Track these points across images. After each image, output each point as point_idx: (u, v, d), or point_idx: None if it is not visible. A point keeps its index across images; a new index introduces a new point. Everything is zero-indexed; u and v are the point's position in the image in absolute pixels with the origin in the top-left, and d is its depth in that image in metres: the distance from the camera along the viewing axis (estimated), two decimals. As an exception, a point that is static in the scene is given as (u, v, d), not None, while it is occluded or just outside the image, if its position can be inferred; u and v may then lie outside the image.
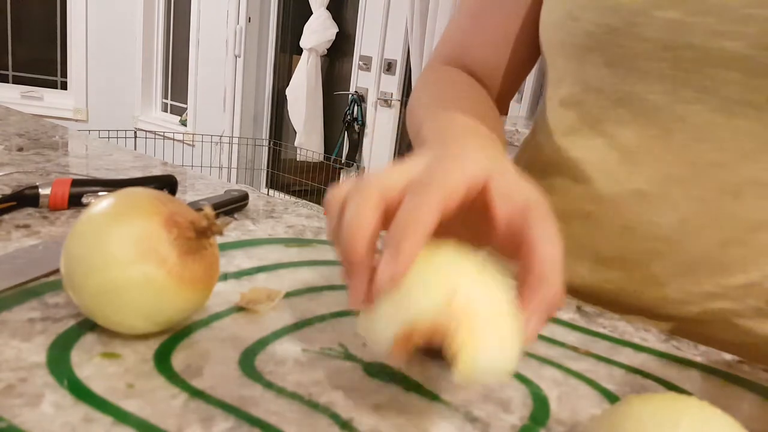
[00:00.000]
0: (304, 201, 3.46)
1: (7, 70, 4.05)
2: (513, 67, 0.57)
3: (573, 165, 0.51)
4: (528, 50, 0.59)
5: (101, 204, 0.34)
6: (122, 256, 0.32)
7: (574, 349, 0.40)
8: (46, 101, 4.07)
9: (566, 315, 0.46)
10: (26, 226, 0.50)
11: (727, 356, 0.42)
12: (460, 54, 0.60)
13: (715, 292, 0.46)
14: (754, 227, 0.44)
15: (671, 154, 0.45)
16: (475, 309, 0.27)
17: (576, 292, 0.51)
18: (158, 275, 0.32)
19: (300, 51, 3.37)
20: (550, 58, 0.53)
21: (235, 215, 0.60)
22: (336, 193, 0.32)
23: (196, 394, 0.30)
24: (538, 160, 0.56)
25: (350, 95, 3.27)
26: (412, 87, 0.63)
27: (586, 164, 0.50)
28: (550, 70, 0.55)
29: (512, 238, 0.31)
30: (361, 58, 3.19)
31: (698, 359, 0.41)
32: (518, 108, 2.58)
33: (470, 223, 0.32)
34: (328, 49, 3.36)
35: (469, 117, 0.41)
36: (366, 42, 3.16)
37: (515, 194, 0.31)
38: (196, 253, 0.34)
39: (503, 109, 0.61)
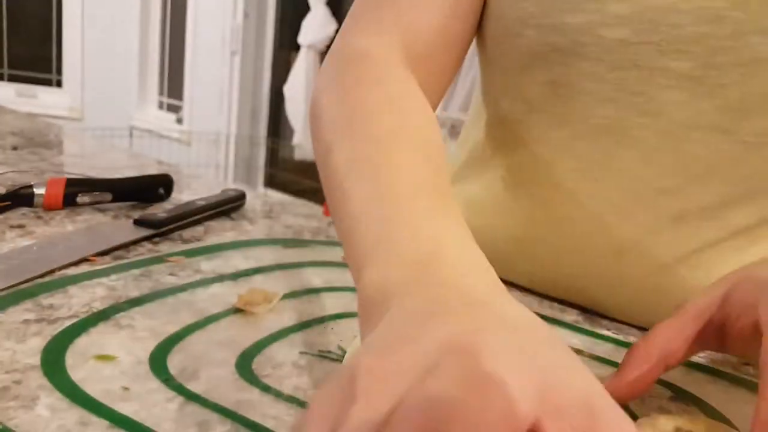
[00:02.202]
0: (302, 200, 3.46)
1: (2, 68, 4.04)
2: (459, 40, 0.46)
3: (509, 185, 0.49)
4: (475, 22, 0.47)
5: None
6: None
7: (579, 351, 0.40)
8: (41, 99, 4.06)
9: (570, 317, 0.46)
10: (21, 226, 0.49)
11: (732, 358, 0.42)
12: (396, 24, 0.45)
13: (655, 320, 0.45)
14: (695, 250, 0.43)
15: (613, 179, 0.43)
16: None
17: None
18: None
19: (298, 47, 3.37)
20: (488, 69, 0.49)
21: (232, 215, 0.60)
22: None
23: (192, 397, 0.30)
24: (478, 165, 0.53)
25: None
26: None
27: (523, 188, 0.48)
28: (485, 83, 0.51)
29: None
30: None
31: (703, 361, 0.41)
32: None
33: None
34: (326, 46, 3.36)
35: (433, 198, 0.30)
36: (363, 40, 3.15)
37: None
38: None
39: (442, 94, 0.49)
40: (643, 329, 0.45)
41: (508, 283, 0.51)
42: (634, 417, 0.33)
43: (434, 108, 0.47)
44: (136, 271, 0.43)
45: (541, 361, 0.19)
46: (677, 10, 0.37)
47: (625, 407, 0.34)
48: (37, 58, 4.10)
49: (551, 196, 0.47)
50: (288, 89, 3.45)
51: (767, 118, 0.37)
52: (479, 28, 0.48)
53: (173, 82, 4.13)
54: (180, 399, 0.30)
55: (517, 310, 0.22)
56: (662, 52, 0.38)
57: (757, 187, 0.41)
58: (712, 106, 0.38)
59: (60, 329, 0.34)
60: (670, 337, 0.31)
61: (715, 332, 0.31)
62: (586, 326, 0.44)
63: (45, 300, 0.38)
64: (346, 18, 0.48)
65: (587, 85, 0.41)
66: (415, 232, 0.27)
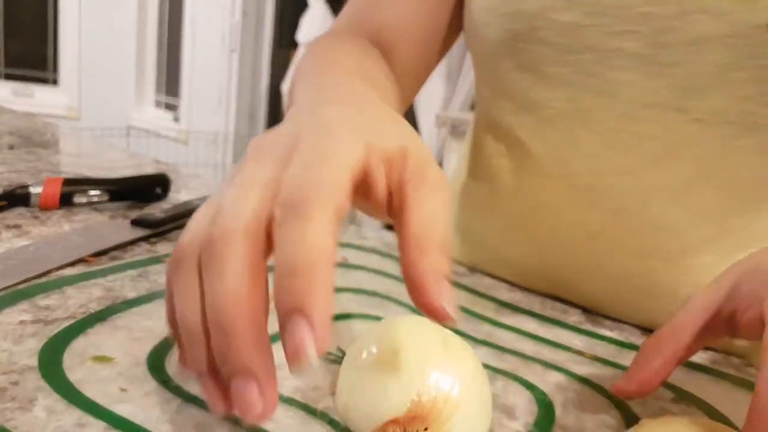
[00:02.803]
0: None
1: (-1, 66, 4.03)
2: (421, 47, 0.50)
3: (493, 174, 0.50)
4: (448, 15, 0.51)
5: None
6: None
7: (580, 353, 0.40)
8: (38, 98, 4.05)
9: (572, 318, 0.45)
10: (17, 226, 0.49)
11: (735, 359, 0.42)
12: (362, 18, 0.52)
13: (639, 307, 0.46)
14: (665, 234, 0.43)
15: (578, 163, 0.44)
16: (444, 398, 0.26)
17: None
18: None
19: (297, 45, 3.36)
20: (473, 61, 0.51)
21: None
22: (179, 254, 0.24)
23: (191, 399, 0.30)
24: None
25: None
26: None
27: (502, 175, 0.49)
28: (474, 74, 0.53)
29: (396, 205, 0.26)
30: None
31: (705, 363, 0.41)
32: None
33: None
34: (324, 46, 3.36)
35: (347, 77, 0.37)
36: (362, 38, 3.15)
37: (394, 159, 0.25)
38: None
39: (414, 87, 0.54)
40: (645, 330, 0.45)
41: (504, 281, 0.51)
42: (636, 418, 0.33)
43: (409, 97, 0.53)
44: (133, 272, 0.43)
45: (367, 126, 0.26)
46: None
47: (627, 408, 0.34)
48: (34, 56, 4.09)
49: (530, 182, 0.47)
50: (286, 87, 3.45)
51: (719, 96, 0.38)
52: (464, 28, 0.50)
53: (171, 81, 4.12)
54: (178, 401, 0.29)
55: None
56: (612, 34, 0.39)
57: (717, 167, 0.40)
58: (663, 85, 0.39)
59: (57, 330, 0.34)
60: (680, 330, 0.31)
61: (725, 323, 0.31)
62: (588, 327, 0.44)
63: (42, 301, 0.37)
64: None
65: (548, 69, 0.43)
66: (334, 90, 0.34)
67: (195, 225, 0.25)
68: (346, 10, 0.54)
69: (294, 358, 0.21)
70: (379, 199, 0.26)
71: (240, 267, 0.22)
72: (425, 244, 0.24)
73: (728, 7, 0.36)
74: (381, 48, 0.50)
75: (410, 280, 0.24)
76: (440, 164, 2.13)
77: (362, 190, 0.25)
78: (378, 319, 0.41)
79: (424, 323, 0.28)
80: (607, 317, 0.46)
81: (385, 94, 0.38)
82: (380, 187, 0.25)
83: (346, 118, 0.26)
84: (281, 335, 0.21)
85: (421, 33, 0.51)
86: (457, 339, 0.28)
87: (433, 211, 0.25)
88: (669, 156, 0.41)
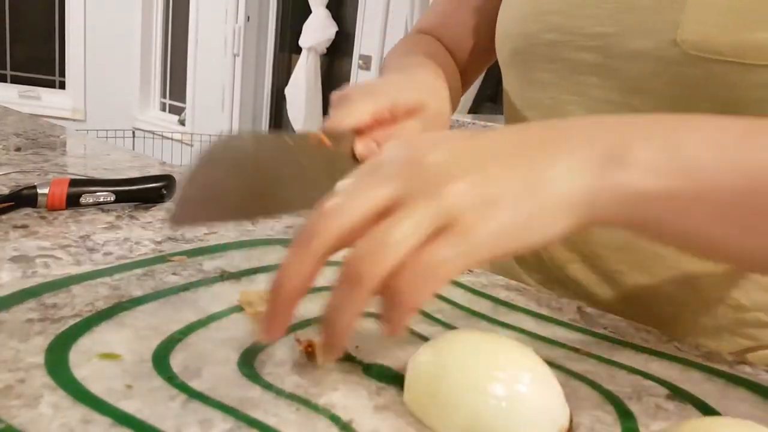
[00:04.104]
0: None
1: (5, 69, 4.04)
2: (479, 50, 0.64)
3: None
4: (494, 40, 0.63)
5: None
6: None
7: (575, 350, 0.40)
8: (44, 101, 4.07)
9: (567, 316, 0.46)
10: (24, 227, 0.50)
11: (729, 357, 0.42)
12: (437, 26, 0.69)
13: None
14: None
15: None
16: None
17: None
18: None
19: (299, 50, 3.37)
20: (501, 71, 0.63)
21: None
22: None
23: (195, 395, 0.30)
24: None
25: (349, 95, 3.25)
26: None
27: None
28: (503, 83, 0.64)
29: None
30: (361, 57, 3.19)
31: (699, 360, 0.41)
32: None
33: None
34: (327, 48, 3.36)
35: (416, 58, 0.57)
36: (366, 41, 3.15)
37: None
38: None
39: (465, 85, 0.70)
40: (639, 326, 0.45)
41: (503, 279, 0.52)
42: (631, 414, 0.33)
43: (469, 80, 0.70)
44: (138, 271, 0.44)
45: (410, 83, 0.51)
46: (583, 15, 0.49)
47: (622, 405, 0.34)
48: (39, 59, 4.10)
49: None
50: (289, 91, 3.45)
51: (653, 97, 0.46)
52: None
53: (175, 84, 4.13)
54: (183, 397, 0.30)
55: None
56: (577, 48, 0.50)
57: None
58: (614, 86, 0.48)
59: (63, 328, 0.34)
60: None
61: None
62: (583, 325, 0.45)
63: (48, 299, 0.38)
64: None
65: (537, 75, 0.53)
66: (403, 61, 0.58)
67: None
68: (425, 17, 0.73)
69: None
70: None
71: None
72: (373, 134, 0.45)
73: (652, 27, 0.45)
74: (448, 46, 0.68)
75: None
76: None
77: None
78: (377, 315, 0.41)
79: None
80: (602, 315, 0.47)
81: (442, 68, 0.57)
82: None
83: (397, 80, 0.51)
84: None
85: (477, 50, 0.67)
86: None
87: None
88: None
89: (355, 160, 0.45)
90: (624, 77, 0.47)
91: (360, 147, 0.44)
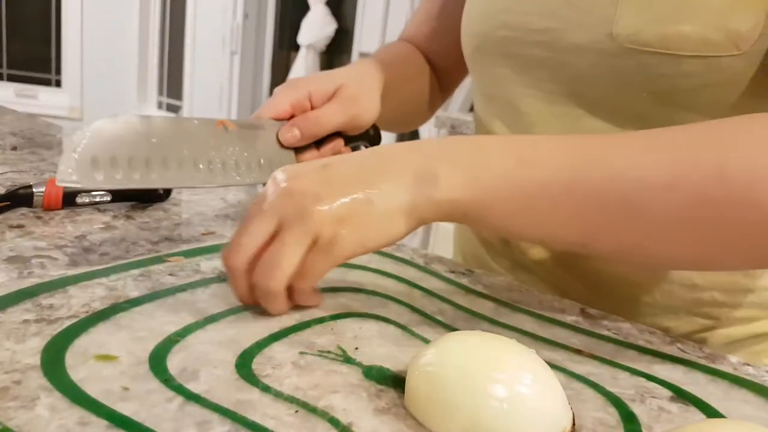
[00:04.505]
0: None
1: (2, 68, 4.03)
2: (457, 55, 0.66)
3: None
4: None
5: None
6: None
7: (578, 351, 0.40)
8: (41, 99, 4.06)
9: (570, 317, 0.46)
10: (20, 226, 0.49)
11: (733, 358, 0.42)
12: (417, 34, 0.74)
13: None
14: None
15: (524, 131, 0.55)
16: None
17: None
18: None
19: (298, 47, 3.37)
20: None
21: (232, 216, 0.60)
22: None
23: (192, 397, 0.30)
24: None
25: (348, 93, 3.25)
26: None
27: None
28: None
29: None
30: (361, 54, 3.18)
31: (703, 361, 0.41)
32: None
33: None
34: (326, 46, 3.35)
35: (367, 59, 0.64)
36: (365, 38, 3.15)
37: None
38: None
39: (447, 89, 0.75)
40: (643, 327, 0.45)
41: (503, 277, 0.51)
42: (634, 416, 0.33)
43: (452, 82, 0.75)
44: (135, 271, 0.43)
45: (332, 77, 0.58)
46: (530, 12, 0.51)
47: (625, 407, 0.34)
48: (36, 58, 4.09)
49: None
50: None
51: (598, 88, 0.49)
52: None
53: (173, 82, 4.12)
54: (180, 399, 0.30)
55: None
56: (527, 43, 0.52)
57: None
58: (563, 78, 0.51)
59: (60, 329, 0.34)
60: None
61: None
62: (586, 326, 0.44)
63: (45, 300, 0.37)
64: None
65: (495, 70, 0.56)
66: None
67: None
68: (409, 24, 0.76)
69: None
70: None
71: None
72: (293, 120, 0.55)
73: (590, 22, 0.47)
74: (427, 53, 0.72)
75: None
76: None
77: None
78: (377, 317, 0.41)
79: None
80: (605, 317, 0.46)
81: (395, 65, 0.66)
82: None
83: (319, 74, 0.59)
84: None
85: (452, 45, 0.68)
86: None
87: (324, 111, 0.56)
88: (574, 129, 0.51)
89: (279, 143, 0.55)
90: (570, 70, 0.50)
91: (282, 133, 0.55)
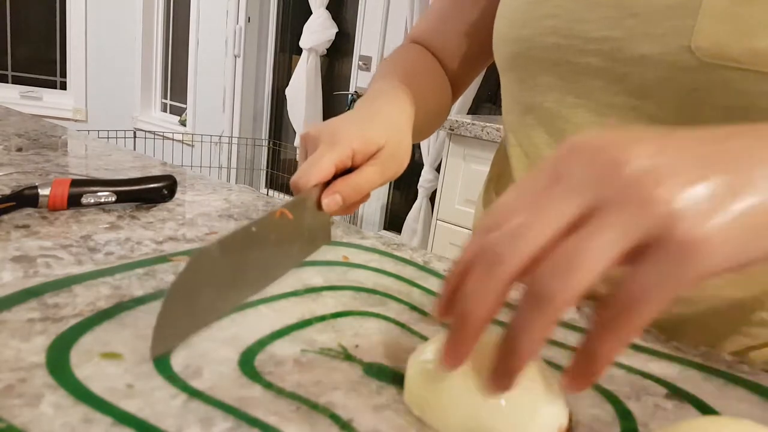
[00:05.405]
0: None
1: (7, 70, 4.05)
2: (470, 57, 0.65)
3: (510, 173, 0.60)
4: (486, 48, 0.65)
5: None
6: None
7: (574, 349, 0.40)
8: (46, 101, 4.07)
9: (566, 316, 0.46)
10: (25, 227, 0.50)
11: (727, 357, 0.42)
12: (429, 34, 0.72)
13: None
14: None
15: None
16: None
17: None
18: None
19: (299, 51, 3.37)
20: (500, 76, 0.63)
21: (235, 216, 0.60)
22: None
23: (196, 394, 0.30)
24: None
25: (350, 95, 3.27)
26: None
27: (515, 172, 0.59)
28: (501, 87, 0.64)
29: None
30: (361, 58, 3.19)
31: (698, 360, 0.41)
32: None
33: None
34: (327, 49, 3.36)
35: (396, 82, 0.60)
36: (366, 42, 3.16)
37: None
38: None
39: (457, 92, 0.73)
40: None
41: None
42: (630, 414, 0.33)
43: (462, 85, 0.72)
44: (140, 271, 0.44)
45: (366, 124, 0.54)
46: (586, 20, 0.49)
47: (621, 404, 0.34)
48: (41, 60, 4.11)
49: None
50: (289, 92, 3.46)
51: (659, 101, 0.46)
52: None
53: (176, 85, 4.13)
54: (183, 396, 0.30)
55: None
56: (582, 51, 0.49)
57: None
58: (620, 90, 0.48)
59: (65, 328, 0.35)
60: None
61: None
62: (582, 324, 0.45)
63: (50, 299, 0.38)
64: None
65: (539, 78, 0.54)
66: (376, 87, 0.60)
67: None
68: (419, 23, 0.74)
69: None
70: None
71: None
72: (335, 186, 0.50)
73: (662, 32, 0.44)
74: (439, 54, 0.70)
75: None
76: (440, 165, 2.12)
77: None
78: (377, 316, 0.42)
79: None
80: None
81: (421, 87, 0.62)
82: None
83: (359, 121, 0.54)
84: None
85: (467, 59, 0.68)
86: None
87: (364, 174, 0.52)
88: None
89: (320, 209, 0.50)
90: (631, 81, 0.47)
91: (326, 200, 0.50)
